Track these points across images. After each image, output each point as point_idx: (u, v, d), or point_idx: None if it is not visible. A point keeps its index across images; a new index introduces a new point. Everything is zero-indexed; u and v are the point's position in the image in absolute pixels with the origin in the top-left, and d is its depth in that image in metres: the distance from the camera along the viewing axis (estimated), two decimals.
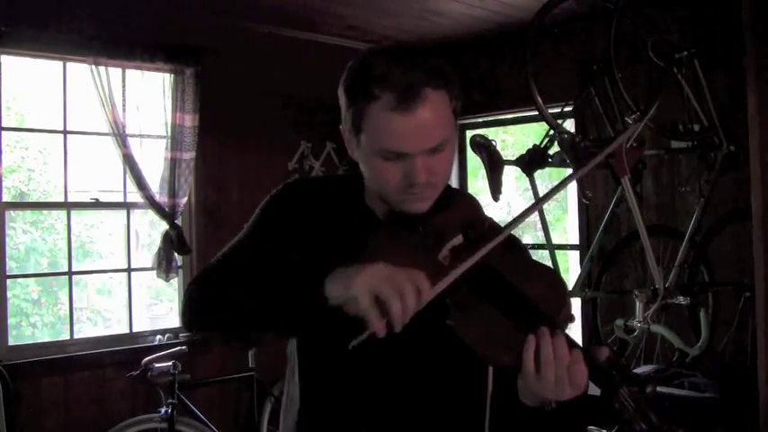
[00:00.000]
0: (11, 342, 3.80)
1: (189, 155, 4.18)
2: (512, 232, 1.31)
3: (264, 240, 1.37)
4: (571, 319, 1.25)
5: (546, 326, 1.14)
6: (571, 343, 1.13)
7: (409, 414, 1.33)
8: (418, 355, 1.31)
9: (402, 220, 1.29)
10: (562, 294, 1.23)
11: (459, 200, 1.35)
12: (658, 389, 3.90)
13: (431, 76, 1.22)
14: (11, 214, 4.99)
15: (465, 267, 1.17)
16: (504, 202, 12.68)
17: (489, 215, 1.39)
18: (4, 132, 3.92)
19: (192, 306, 1.35)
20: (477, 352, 1.16)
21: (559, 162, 3.60)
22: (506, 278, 1.20)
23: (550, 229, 3.77)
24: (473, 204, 1.37)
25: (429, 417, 1.33)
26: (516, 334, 1.15)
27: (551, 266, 1.32)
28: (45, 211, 6.79)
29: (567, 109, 3.84)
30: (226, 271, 1.33)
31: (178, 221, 4.16)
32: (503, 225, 1.31)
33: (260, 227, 1.40)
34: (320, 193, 1.42)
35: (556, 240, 4.31)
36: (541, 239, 3.87)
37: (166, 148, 4.17)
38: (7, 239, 3.90)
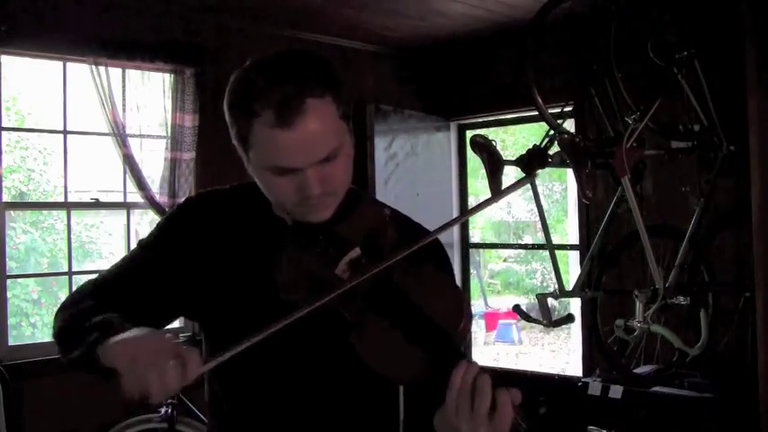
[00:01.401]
0: (11, 342, 3.81)
1: (189, 155, 4.18)
2: (437, 237, 1.30)
3: (157, 257, 1.36)
4: (465, 333, 1.22)
5: (442, 342, 1.14)
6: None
7: (315, 427, 1.31)
8: (323, 366, 1.30)
9: (304, 230, 1.27)
10: (460, 311, 1.19)
11: (365, 207, 1.32)
12: (658, 389, 3.90)
13: (311, 85, 1.17)
14: (11, 214, 4.99)
15: (354, 282, 1.16)
16: (504, 202, 12.73)
17: (400, 219, 1.35)
18: (4, 132, 3.92)
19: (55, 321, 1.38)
20: (374, 369, 1.15)
21: (559, 162, 3.60)
22: (404, 293, 1.18)
23: (551, 230, 3.77)
24: (378, 212, 1.31)
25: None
26: (414, 351, 1.14)
27: (453, 281, 1.30)
28: (45, 212, 6.80)
29: (567, 109, 3.84)
30: (73, 313, 1.33)
31: None
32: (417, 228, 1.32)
33: (157, 241, 1.39)
34: (229, 204, 1.40)
35: (556, 242, 4.31)
36: (541, 240, 3.87)
37: (166, 148, 4.17)
38: (7, 239, 3.91)
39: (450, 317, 1.18)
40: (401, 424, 1.36)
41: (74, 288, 4.14)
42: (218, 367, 1.18)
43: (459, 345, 1.18)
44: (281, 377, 1.29)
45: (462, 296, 1.24)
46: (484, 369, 1.11)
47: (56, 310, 1.37)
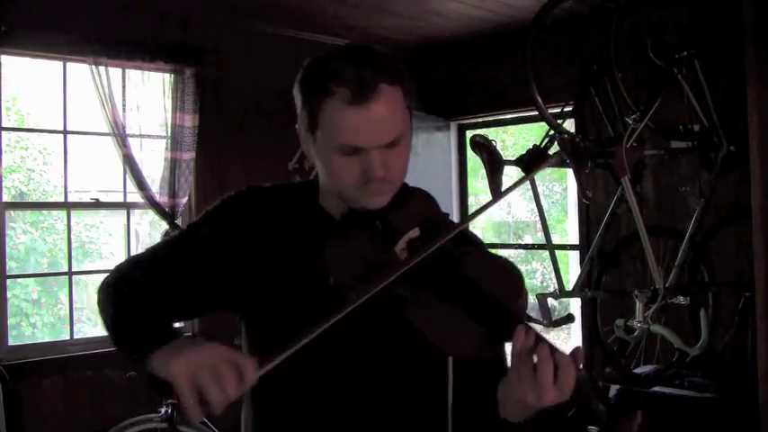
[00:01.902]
0: (11, 342, 3.81)
1: (189, 155, 4.18)
2: (468, 229, 1.34)
3: (197, 247, 1.37)
4: (524, 313, 1.25)
5: (501, 317, 1.15)
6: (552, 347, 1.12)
7: (369, 411, 1.32)
8: (375, 350, 1.30)
9: (360, 217, 1.29)
10: (518, 287, 1.23)
11: (417, 197, 1.36)
12: (658, 389, 3.89)
13: (385, 71, 1.24)
14: (11, 214, 5.00)
15: (419, 258, 1.17)
16: (505, 202, 12.72)
17: (446, 212, 1.40)
18: (4, 132, 3.92)
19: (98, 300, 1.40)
20: (434, 344, 1.16)
21: (559, 162, 3.60)
22: (462, 270, 1.20)
23: (551, 230, 3.77)
24: (430, 201, 1.38)
25: (389, 415, 1.33)
26: (472, 325, 1.15)
27: (508, 260, 1.32)
28: (45, 212, 6.80)
29: (567, 109, 3.84)
30: (117, 296, 1.36)
31: (178, 221, 4.16)
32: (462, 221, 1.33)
33: (198, 232, 1.40)
34: (273, 199, 1.42)
35: (556, 242, 4.31)
36: (541, 240, 3.87)
37: (166, 148, 4.17)
38: (7, 239, 3.91)
39: (507, 292, 1.20)
40: (449, 405, 1.34)
41: (74, 288, 4.14)
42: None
43: (519, 316, 1.19)
44: (333, 357, 1.29)
45: (517, 270, 1.26)
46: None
47: (103, 288, 1.40)
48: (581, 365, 1.10)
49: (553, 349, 1.10)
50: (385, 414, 1.32)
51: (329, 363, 1.29)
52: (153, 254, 1.41)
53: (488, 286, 1.18)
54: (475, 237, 1.44)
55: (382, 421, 1.32)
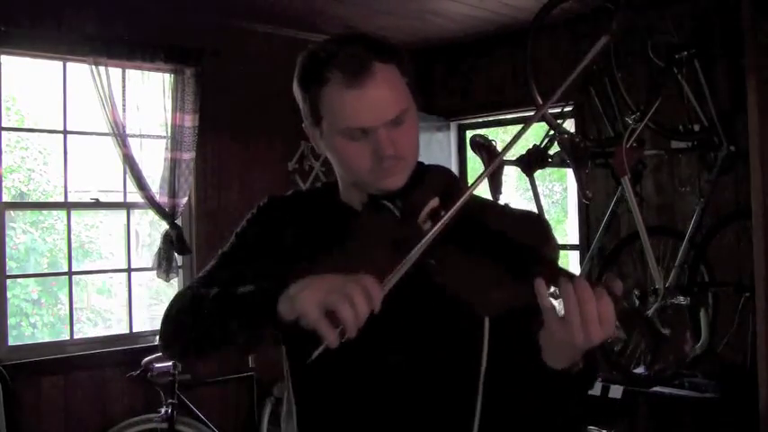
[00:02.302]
0: (11, 342, 3.80)
1: (189, 155, 4.18)
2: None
3: (246, 258, 1.39)
4: (556, 257, 1.24)
5: (532, 262, 1.12)
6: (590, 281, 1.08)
7: (401, 392, 1.32)
8: (412, 322, 1.30)
9: (379, 200, 1.29)
10: (544, 232, 1.24)
11: (434, 172, 1.36)
12: (658, 389, 3.89)
13: (377, 50, 1.25)
14: (11, 214, 5.00)
15: (442, 225, 1.16)
16: (504, 203, 12.72)
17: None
18: (3, 132, 3.92)
19: (166, 331, 1.37)
20: (469, 303, 1.15)
21: (559, 162, 3.61)
22: (486, 226, 1.21)
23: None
24: (449, 174, 1.37)
25: (421, 396, 1.32)
26: (508, 276, 1.14)
27: (532, 211, 1.31)
28: (45, 212, 6.79)
29: (567, 109, 3.84)
30: (197, 298, 1.33)
31: (178, 221, 4.16)
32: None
33: (242, 244, 1.42)
34: (297, 205, 1.44)
35: None
36: None
37: (166, 149, 4.17)
38: (7, 239, 3.90)
39: (534, 237, 1.20)
40: (483, 369, 1.33)
41: (74, 288, 4.14)
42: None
43: (551, 261, 1.17)
44: (371, 333, 1.22)
45: (544, 219, 1.29)
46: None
47: (168, 310, 1.38)
48: (620, 294, 1.06)
49: (592, 285, 1.06)
50: (422, 386, 1.32)
51: (368, 341, 1.21)
52: (209, 270, 1.42)
53: (515, 236, 1.18)
54: (498, 203, 1.44)
55: (418, 394, 1.32)
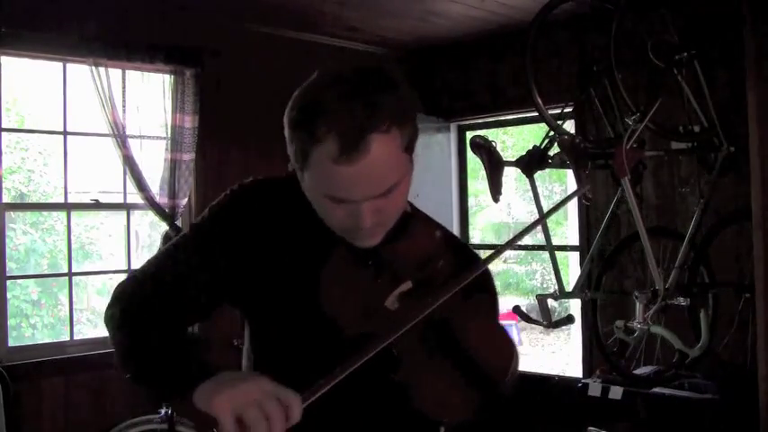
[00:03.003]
0: (11, 343, 3.80)
1: (189, 156, 4.18)
2: (479, 259, 1.28)
3: (202, 257, 1.31)
4: (510, 382, 1.20)
5: (491, 389, 1.12)
6: None
7: None
8: (365, 411, 1.26)
9: (353, 252, 1.24)
10: (510, 357, 1.18)
11: (416, 230, 1.28)
12: (659, 390, 3.88)
13: (378, 118, 1.12)
14: (11, 215, 5.00)
15: (411, 323, 1.11)
16: (505, 203, 12.72)
17: (451, 240, 1.30)
18: (3, 133, 3.92)
19: (112, 317, 1.32)
20: (421, 409, 1.13)
21: (559, 163, 3.60)
22: (455, 334, 1.16)
23: (551, 231, 3.77)
24: (430, 235, 1.28)
25: None
26: (464, 391, 1.13)
27: (503, 327, 1.28)
28: (45, 213, 6.80)
29: (567, 110, 3.84)
30: (150, 292, 1.29)
31: (178, 222, 4.16)
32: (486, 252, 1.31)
33: (203, 229, 1.35)
34: (277, 197, 1.36)
35: (556, 243, 4.31)
36: (541, 241, 3.87)
37: (166, 149, 4.17)
38: (7, 240, 3.90)
39: (500, 363, 1.16)
40: None
41: (74, 289, 4.14)
42: None
43: (506, 390, 1.16)
44: (322, 409, 1.19)
45: (512, 342, 1.21)
46: None
47: (111, 310, 1.32)
48: None
49: None
50: None
51: (319, 407, 1.18)
52: (158, 264, 1.34)
53: (481, 356, 1.14)
54: (485, 279, 1.33)
55: None
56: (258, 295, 1.32)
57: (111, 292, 1.35)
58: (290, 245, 1.32)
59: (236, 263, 1.31)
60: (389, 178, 1.17)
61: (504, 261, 13.38)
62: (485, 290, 1.32)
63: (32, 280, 6.57)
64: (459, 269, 1.20)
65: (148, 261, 1.36)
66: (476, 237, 11.39)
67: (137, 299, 1.30)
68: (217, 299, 1.33)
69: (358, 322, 1.16)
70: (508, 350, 1.19)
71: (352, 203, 1.17)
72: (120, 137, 3.97)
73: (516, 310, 3.59)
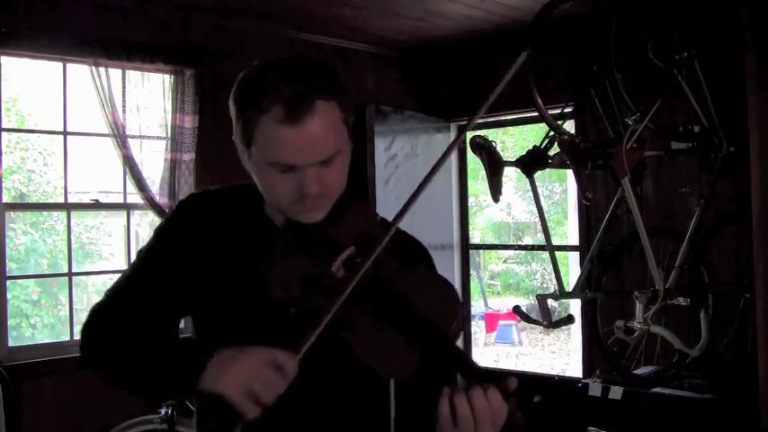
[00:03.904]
0: (11, 343, 3.80)
1: (189, 156, 4.18)
2: (419, 242, 1.39)
3: (157, 270, 1.39)
4: (458, 331, 1.25)
5: (436, 339, 1.15)
6: (485, 379, 1.11)
7: None
8: (316, 372, 1.29)
9: (297, 230, 1.30)
10: (454, 309, 1.23)
11: (356, 210, 1.35)
12: (659, 390, 3.88)
13: (320, 87, 1.23)
14: (11, 215, 5.00)
15: (354, 281, 1.19)
16: (505, 203, 12.73)
17: (385, 221, 1.36)
18: (4, 133, 3.92)
19: (84, 351, 1.45)
20: (371, 366, 1.18)
21: (559, 163, 3.60)
22: (400, 291, 1.21)
23: (551, 231, 3.77)
24: (369, 214, 1.36)
25: None
26: (407, 348, 1.17)
27: (446, 279, 1.33)
28: (45, 213, 6.80)
29: (567, 110, 3.84)
30: (112, 320, 1.38)
31: None
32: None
33: (156, 249, 1.43)
34: (220, 206, 1.43)
35: (556, 243, 4.31)
36: (541, 241, 3.87)
37: (166, 150, 4.17)
38: (7, 240, 3.90)
39: (444, 314, 1.20)
40: (392, 422, 1.37)
41: (74, 289, 4.14)
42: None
43: (453, 342, 1.20)
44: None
45: (455, 293, 1.27)
46: (471, 378, 1.12)
47: (85, 335, 1.42)
48: (512, 391, 1.11)
49: (486, 394, 1.10)
50: None
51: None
52: (116, 296, 1.42)
53: (425, 309, 1.19)
54: (421, 251, 1.44)
55: None
56: (208, 296, 1.38)
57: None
58: (236, 243, 1.38)
59: (183, 270, 1.38)
60: (331, 145, 1.24)
61: (505, 261, 13.39)
62: (424, 261, 1.42)
63: (32, 280, 6.57)
64: (398, 246, 1.29)
65: (105, 295, 1.44)
66: (476, 237, 11.40)
67: (98, 328, 1.40)
68: (175, 311, 1.42)
69: (308, 297, 1.22)
70: (452, 303, 1.24)
71: (297, 171, 1.24)
72: (120, 137, 3.97)
73: (516, 310, 3.59)
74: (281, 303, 1.22)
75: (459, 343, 1.23)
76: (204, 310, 1.40)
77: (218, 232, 1.39)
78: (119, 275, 1.47)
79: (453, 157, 5.48)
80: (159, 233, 1.44)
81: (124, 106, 4.00)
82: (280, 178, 1.26)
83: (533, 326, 7.89)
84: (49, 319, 6.79)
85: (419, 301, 1.19)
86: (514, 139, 11.96)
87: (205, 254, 1.38)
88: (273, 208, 1.36)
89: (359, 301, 1.20)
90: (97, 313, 1.41)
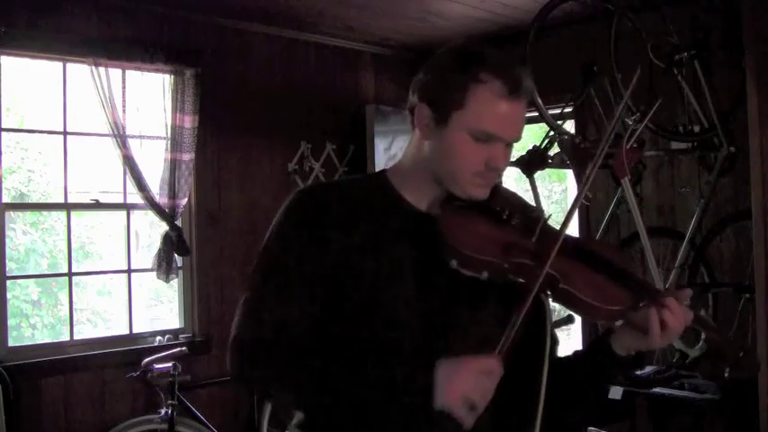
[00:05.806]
0: (11, 343, 3.80)
1: (189, 156, 4.18)
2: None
3: (298, 280, 1.33)
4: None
5: (636, 283, 1.33)
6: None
7: None
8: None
9: (474, 204, 1.36)
10: (631, 258, 1.40)
11: (498, 187, 1.44)
12: (658, 390, 3.88)
13: (526, 73, 1.34)
14: (11, 215, 5.00)
15: (560, 239, 1.32)
16: None
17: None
18: (3, 133, 3.92)
19: (245, 380, 1.39)
20: (591, 308, 1.30)
21: (559, 163, 3.60)
22: (589, 247, 1.40)
23: None
24: (511, 192, 1.47)
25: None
26: (619, 290, 1.32)
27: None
28: (45, 213, 6.79)
29: (567, 110, 3.84)
30: (279, 345, 1.31)
31: (178, 222, 4.16)
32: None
33: (286, 254, 1.35)
34: (343, 197, 1.39)
35: None
36: None
37: (166, 149, 4.17)
38: (7, 240, 3.90)
39: (630, 263, 1.39)
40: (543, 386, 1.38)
41: (74, 289, 4.14)
42: None
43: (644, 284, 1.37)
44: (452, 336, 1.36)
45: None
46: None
47: (252, 378, 1.38)
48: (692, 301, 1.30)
49: (677, 298, 1.30)
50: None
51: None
52: (257, 301, 1.35)
53: (618, 261, 1.36)
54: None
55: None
56: (350, 287, 1.34)
57: (229, 361, 1.36)
58: (375, 233, 1.36)
59: (328, 259, 1.33)
60: (522, 129, 1.36)
61: None
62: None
63: (32, 280, 6.55)
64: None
65: (242, 312, 1.36)
66: None
67: (272, 356, 1.32)
68: (321, 304, 1.35)
69: (501, 258, 1.30)
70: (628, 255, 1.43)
71: (491, 144, 1.31)
72: (120, 137, 3.97)
73: None
74: (472, 267, 1.29)
75: None
76: (353, 294, 1.33)
77: (354, 219, 1.35)
78: (249, 287, 1.38)
79: None
80: (288, 230, 1.36)
81: (124, 106, 4.00)
82: (473, 147, 1.31)
83: None
84: (49, 319, 6.78)
85: (609, 254, 1.38)
86: None
87: (345, 242, 1.33)
88: (424, 184, 1.39)
89: (566, 258, 1.33)
90: (253, 333, 1.33)
